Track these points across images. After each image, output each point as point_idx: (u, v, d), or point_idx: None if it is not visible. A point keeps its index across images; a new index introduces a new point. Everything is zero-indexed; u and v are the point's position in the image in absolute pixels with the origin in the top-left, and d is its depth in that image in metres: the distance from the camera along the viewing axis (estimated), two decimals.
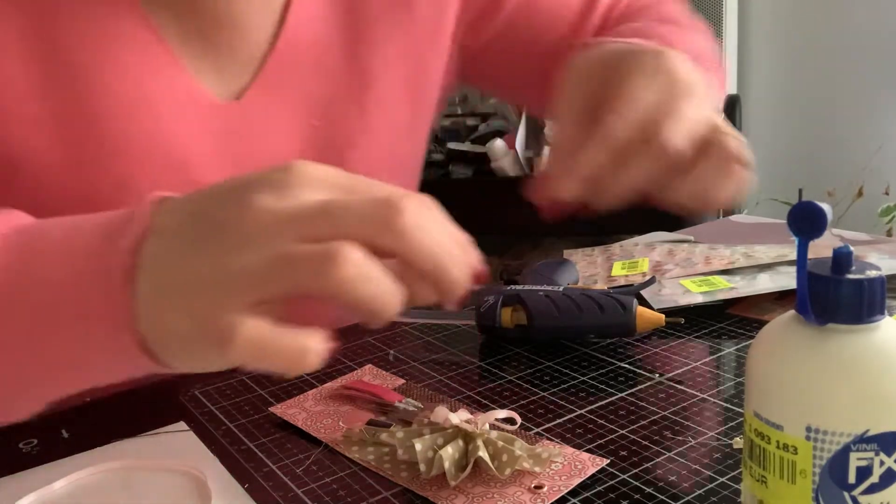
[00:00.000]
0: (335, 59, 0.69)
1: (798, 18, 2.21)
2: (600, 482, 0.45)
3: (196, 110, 0.63)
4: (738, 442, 0.48)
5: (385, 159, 0.72)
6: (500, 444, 0.46)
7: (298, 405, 0.55)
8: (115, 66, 0.60)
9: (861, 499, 0.33)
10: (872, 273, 0.33)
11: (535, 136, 2.03)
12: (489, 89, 0.91)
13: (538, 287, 0.65)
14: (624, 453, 0.48)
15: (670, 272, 0.76)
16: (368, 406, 0.55)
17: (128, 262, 0.39)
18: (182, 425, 0.54)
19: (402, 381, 0.58)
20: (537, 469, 0.46)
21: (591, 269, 0.80)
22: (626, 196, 0.51)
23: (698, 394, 0.55)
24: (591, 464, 0.46)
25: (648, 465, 0.47)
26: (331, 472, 0.48)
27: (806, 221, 0.34)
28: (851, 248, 0.34)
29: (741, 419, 0.51)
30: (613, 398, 0.55)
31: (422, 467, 0.45)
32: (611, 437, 0.50)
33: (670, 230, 0.95)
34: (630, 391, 0.56)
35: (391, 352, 0.65)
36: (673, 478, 0.45)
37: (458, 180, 2.01)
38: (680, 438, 0.49)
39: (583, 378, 0.58)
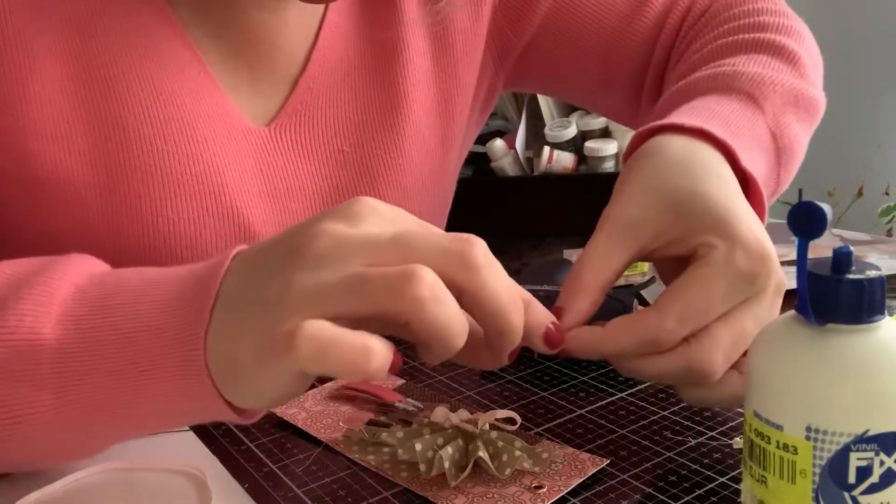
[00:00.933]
0: (366, 79, 0.68)
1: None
2: (600, 482, 0.45)
3: (231, 134, 0.62)
4: (738, 442, 0.48)
5: (416, 182, 0.70)
6: (500, 444, 0.46)
7: (298, 405, 0.55)
8: (150, 85, 0.59)
9: (861, 499, 0.33)
10: (872, 273, 0.33)
11: (535, 136, 2.03)
12: (541, 90, 0.89)
13: (538, 287, 0.65)
14: (624, 453, 0.48)
15: None
16: (368, 406, 0.55)
17: (207, 314, 0.39)
18: (182, 425, 0.54)
19: (403, 381, 0.58)
20: (537, 469, 0.46)
21: None
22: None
23: None
24: (592, 464, 0.46)
25: (648, 465, 0.47)
26: (331, 472, 0.48)
27: (806, 221, 0.34)
28: (851, 248, 0.34)
29: (741, 419, 0.51)
30: (613, 398, 0.55)
31: (422, 467, 0.45)
32: (611, 437, 0.50)
33: None
34: (630, 391, 0.56)
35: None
36: (673, 478, 0.45)
37: (459, 180, 2.01)
38: (680, 438, 0.49)
39: (583, 378, 0.58)
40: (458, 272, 0.38)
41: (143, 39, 0.59)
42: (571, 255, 0.86)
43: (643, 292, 0.69)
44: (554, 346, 0.43)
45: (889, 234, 2.04)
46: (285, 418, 0.53)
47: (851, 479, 0.33)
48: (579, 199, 1.91)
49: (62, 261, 0.45)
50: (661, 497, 0.44)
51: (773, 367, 0.35)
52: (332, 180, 0.66)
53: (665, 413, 0.52)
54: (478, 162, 2.02)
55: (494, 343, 0.41)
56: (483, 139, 2.01)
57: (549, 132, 1.93)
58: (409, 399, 0.55)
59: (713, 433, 0.50)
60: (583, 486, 0.45)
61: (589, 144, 1.89)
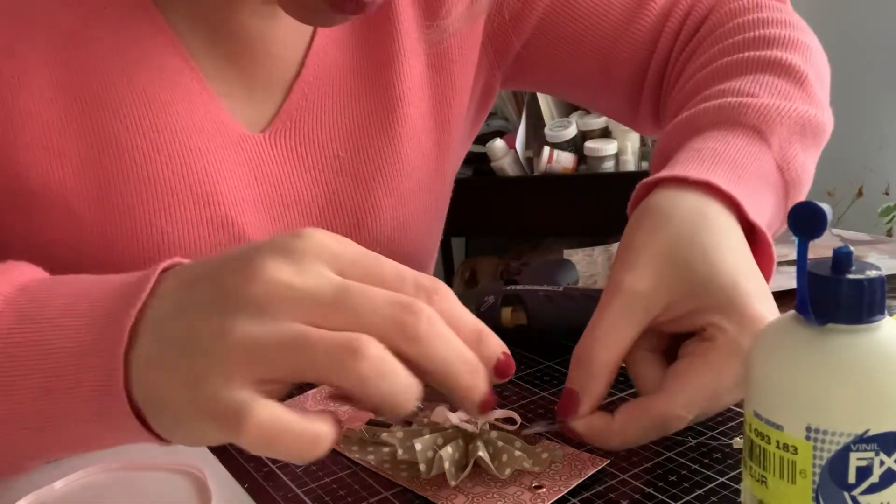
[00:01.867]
0: (361, 83, 0.67)
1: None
2: (600, 482, 0.45)
3: (225, 142, 0.62)
4: (738, 442, 0.48)
5: (413, 187, 0.70)
6: (500, 444, 0.46)
7: (299, 406, 0.55)
8: (142, 95, 0.59)
9: (861, 499, 0.33)
10: (872, 273, 0.33)
11: (535, 136, 2.03)
12: (540, 89, 0.88)
13: (538, 287, 0.65)
14: (624, 453, 0.48)
15: None
16: (369, 406, 0.55)
17: (126, 334, 0.38)
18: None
19: None
20: (537, 469, 0.46)
21: (591, 269, 0.80)
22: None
23: None
24: (592, 464, 0.46)
25: (648, 465, 0.47)
26: (331, 472, 0.48)
27: (806, 221, 0.34)
28: (851, 248, 0.34)
29: (741, 419, 0.51)
30: (613, 398, 0.55)
31: (422, 467, 0.45)
32: None
33: None
34: (630, 391, 0.56)
35: None
36: (673, 478, 0.45)
37: (458, 180, 2.01)
38: (680, 438, 0.49)
39: None
40: (401, 345, 0.37)
41: (134, 48, 0.59)
42: (571, 255, 0.86)
43: None
44: (503, 375, 0.40)
45: (889, 234, 2.04)
46: None
47: (851, 479, 0.33)
48: (579, 199, 1.91)
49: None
50: (661, 497, 0.44)
51: (773, 367, 0.35)
52: (328, 186, 0.66)
53: None
54: (478, 162, 2.02)
55: (454, 400, 0.40)
56: (483, 139, 2.01)
57: (549, 132, 1.93)
58: None
59: (713, 433, 0.50)
60: (583, 486, 0.45)
61: (589, 144, 1.89)
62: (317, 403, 0.55)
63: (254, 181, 0.63)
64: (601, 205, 1.85)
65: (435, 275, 0.83)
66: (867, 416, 0.33)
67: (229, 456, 0.50)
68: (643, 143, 1.94)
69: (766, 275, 0.51)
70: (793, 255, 0.74)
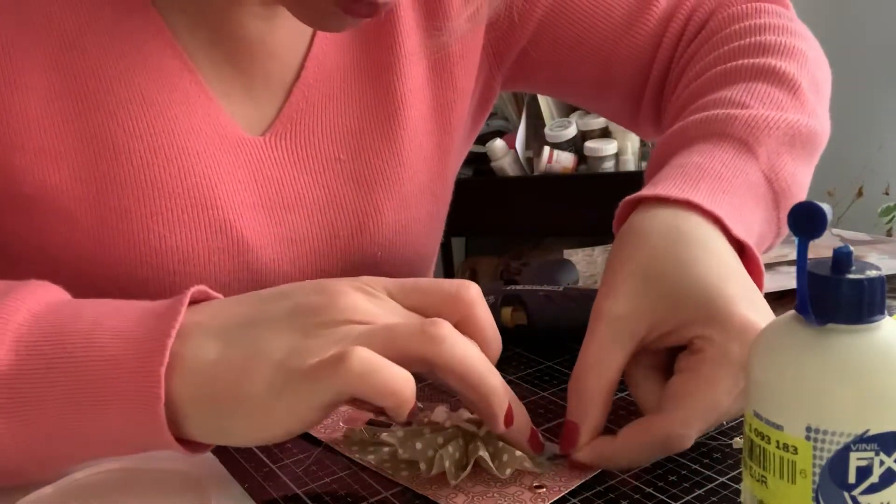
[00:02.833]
0: (362, 86, 0.67)
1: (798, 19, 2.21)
2: (600, 482, 0.45)
3: (223, 145, 0.62)
4: (738, 442, 0.48)
5: (414, 190, 0.69)
6: (501, 443, 0.46)
7: None
8: (139, 97, 0.58)
9: (861, 499, 0.33)
10: (872, 273, 0.33)
11: (535, 136, 2.03)
12: (540, 91, 0.88)
13: (538, 287, 0.65)
14: None
15: None
16: (368, 406, 0.55)
17: (167, 349, 0.41)
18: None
19: None
20: (538, 469, 0.46)
21: (591, 269, 0.80)
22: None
23: None
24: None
25: (648, 465, 0.47)
26: (331, 472, 0.48)
27: (806, 221, 0.33)
28: (851, 248, 0.34)
29: (741, 419, 0.51)
30: (613, 398, 0.55)
31: (422, 466, 0.45)
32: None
33: None
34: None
35: None
36: (673, 478, 0.45)
37: (458, 180, 2.01)
38: None
39: None
40: (424, 350, 0.42)
41: (131, 50, 0.58)
42: (571, 255, 0.86)
43: None
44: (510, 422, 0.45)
45: (889, 234, 2.04)
46: None
47: (851, 479, 0.33)
48: (579, 199, 1.91)
49: (20, 287, 0.45)
50: (661, 497, 0.44)
51: (773, 366, 0.35)
52: (328, 189, 0.65)
53: None
54: (478, 162, 2.02)
55: (482, 412, 0.45)
56: (483, 139, 2.01)
57: (549, 132, 1.93)
58: None
59: (713, 433, 0.50)
60: (583, 486, 0.45)
61: (589, 144, 1.89)
62: None
63: (253, 184, 0.63)
64: (601, 205, 1.85)
65: (435, 275, 0.82)
66: (867, 416, 0.33)
67: (229, 456, 0.50)
68: (643, 143, 1.94)
69: (757, 284, 0.50)
70: (793, 255, 0.74)
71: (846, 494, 0.33)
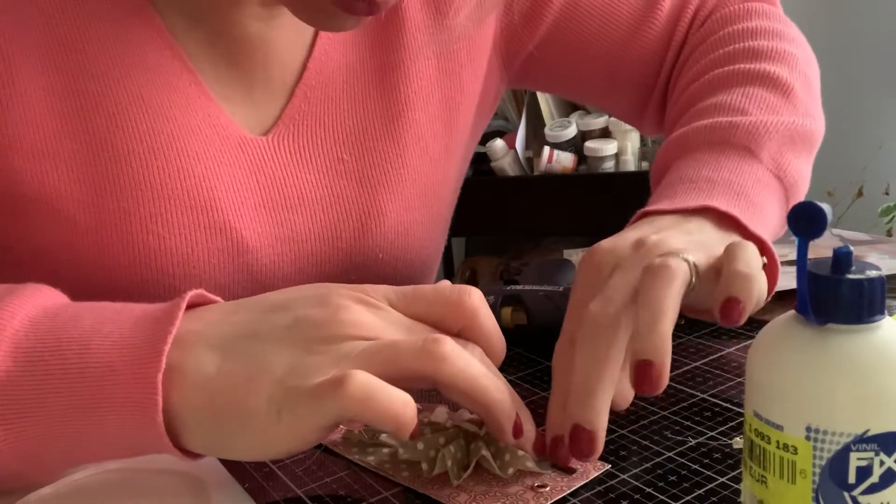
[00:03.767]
0: (366, 87, 0.67)
1: (798, 19, 2.21)
2: (601, 482, 0.45)
3: (224, 146, 0.61)
4: (738, 442, 0.48)
5: (418, 192, 0.69)
6: (502, 443, 0.46)
7: None
8: (138, 99, 0.58)
9: (861, 499, 0.33)
10: (872, 273, 0.33)
11: (535, 136, 2.03)
12: (546, 91, 0.88)
13: (538, 287, 0.65)
14: (624, 453, 0.48)
15: None
16: None
17: (163, 356, 0.41)
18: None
19: None
20: (540, 469, 0.46)
21: None
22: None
23: (698, 394, 0.55)
24: (594, 468, 0.46)
25: (648, 465, 0.47)
26: (331, 472, 0.48)
27: (806, 221, 0.34)
28: (851, 248, 0.34)
29: (741, 419, 0.51)
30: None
31: (424, 466, 0.45)
32: (611, 437, 0.50)
33: None
34: None
35: None
36: (673, 478, 0.45)
37: None
38: (680, 438, 0.49)
39: None
40: (426, 369, 0.42)
41: (130, 51, 0.58)
42: (571, 255, 0.86)
43: None
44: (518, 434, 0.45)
45: (889, 234, 2.04)
46: None
47: (851, 479, 0.33)
48: (579, 199, 1.91)
49: (18, 291, 0.45)
50: (661, 497, 0.44)
51: (772, 367, 0.35)
52: (331, 190, 0.65)
53: (665, 413, 0.52)
54: (478, 162, 2.02)
55: (489, 425, 0.45)
56: (483, 139, 2.01)
57: (549, 132, 1.93)
58: None
59: (713, 433, 0.50)
60: (583, 486, 0.45)
61: (589, 144, 1.89)
62: None
63: (255, 184, 0.63)
64: (601, 205, 1.85)
65: (436, 274, 0.82)
66: (867, 416, 0.33)
67: None
68: (643, 143, 1.94)
69: (773, 279, 0.52)
70: (793, 255, 0.74)
71: (846, 494, 0.33)
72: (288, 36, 0.64)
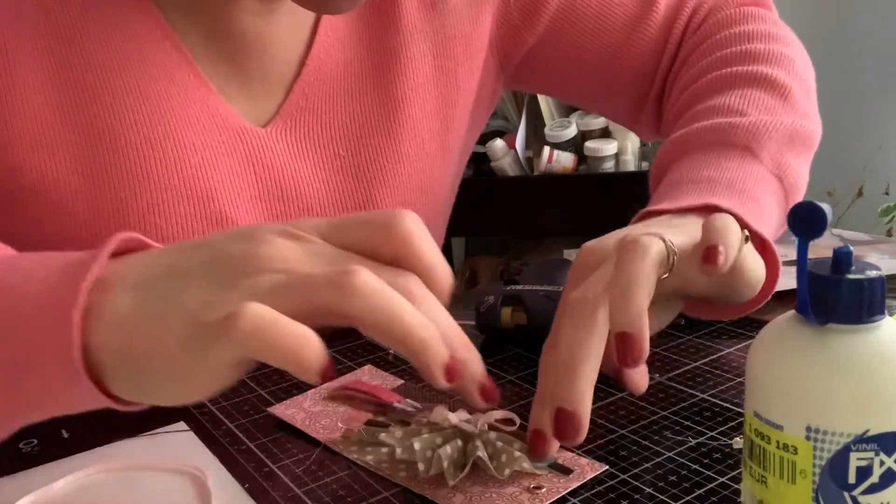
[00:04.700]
0: (364, 84, 0.67)
1: (798, 19, 2.21)
2: (600, 482, 0.45)
3: (222, 136, 0.62)
4: (738, 442, 0.48)
5: (414, 188, 0.69)
6: (500, 444, 0.46)
7: (297, 405, 0.55)
8: (136, 90, 0.58)
9: (861, 499, 0.33)
10: (872, 273, 0.33)
11: (535, 136, 2.03)
12: (542, 91, 0.89)
13: (538, 287, 0.65)
14: (624, 453, 0.48)
15: None
16: (367, 406, 0.55)
17: (80, 295, 0.38)
18: (182, 425, 0.54)
19: (401, 381, 0.58)
20: (536, 471, 0.46)
21: None
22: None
23: (698, 394, 0.55)
24: (591, 468, 0.46)
25: (648, 465, 0.47)
26: (331, 471, 0.48)
27: (806, 221, 0.34)
28: (851, 248, 0.34)
29: (741, 419, 0.51)
30: (613, 398, 0.55)
31: (420, 466, 0.45)
32: (611, 437, 0.50)
33: None
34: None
35: (391, 352, 0.65)
36: (673, 478, 0.45)
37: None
38: (680, 438, 0.49)
39: None
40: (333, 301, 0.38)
41: (128, 43, 0.59)
42: (571, 255, 0.86)
43: None
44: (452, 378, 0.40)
45: (889, 234, 2.04)
46: (284, 419, 0.53)
47: (851, 479, 0.33)
48: (579, 199, 1.91)
49: None
50: (661, 497, 0.44)
51: (772, 367, 0.35)
52: (327, 184, 0.66)
53: (665, 413, 0.52)
54: (478, 162, 2.02)
55: (419, 369, 0.40)
56: (483, 139, 2.01)
57: (549, 132, 1.93)
58: (407, 399, 0.54)
59: (713, 433, 0.50)
60: (583, 487, 0.45)
61: (589, 144, 1.89)
62: (315, 404, 0.55)
63: (252, 175, 0.63)
64: (601, 205, 1.85)
65: None
66: (867, 416, 0.33)
67: (229, 456, 0.50)
68: (643, 143, 1.94)
69: (773, 276, 0.54)
70: (793, 255, 0.74)
71: (846, 494, 0.33)
72: (285, 32, 0.64)
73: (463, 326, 0.44)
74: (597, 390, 0.56)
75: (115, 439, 0.52)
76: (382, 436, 0.49)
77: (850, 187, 2.04)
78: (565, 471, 0.46)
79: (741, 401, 0.53)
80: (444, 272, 0.41)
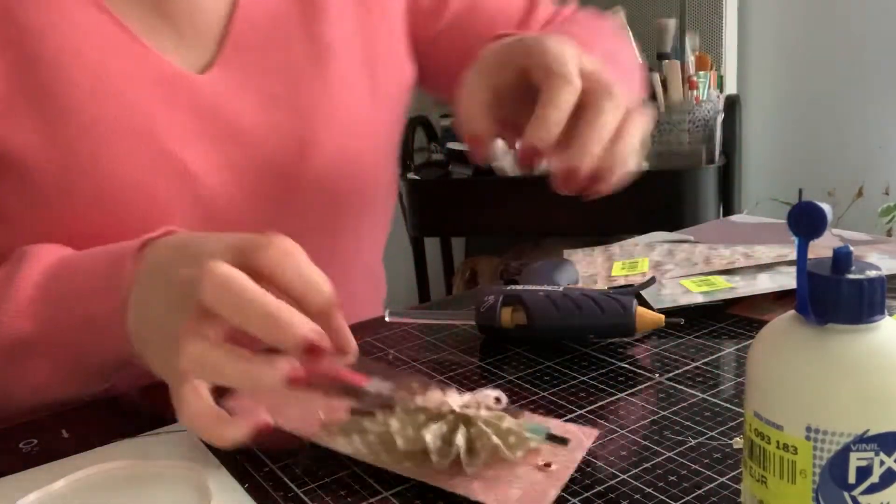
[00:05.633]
0: (293, 32, 0.71)
1: (798, 18, 2.21)
2: (600, 482, 0.45)
3: (163, 85, 0.65)
4: (738, 442, 0.48)
5: (352, 121, 0.73)
6: (504, 425, 0.45)
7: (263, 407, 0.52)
8: (73, 53, 0.62)
9: (861, 499, 0.33)
10: (872, 273, 0.33)
11: None
12: (432, 90, 0.90)
13: (538, 287, 0.65)
14: (624, 453, 0.48)
15: (670, 272, 0.76)
16: (336, 391, 0.49)
17: (120, 291, 0.52)
18: (182, 425, 0.54)
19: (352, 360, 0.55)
20: (534, 438, 0.46)
21: (591, 269, 0.80)
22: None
23: (698, 394, 0.55)
24: (586, 436, 0.47)
25: (648, 465, 0.47)
26: (331, 471, 0.48)
27: (806, 221, 0.33)
28: (851, 248, 0.34)
29: (741, 419, 0.51)
30: (613, 398, 0.55)
31: (434, 458, 0.45)
32: (611, 436, 0.50)
33: (670, 230, 0.95)
34: (630, 391, 0.56)
35: (391, 352, 0.65)
36: (673, 478, 0.45)
37: (458, 180, 2.01)
38: (680, 438, 0.49)
39: (583, 378, 0.58)
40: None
41: (56, 12, 0.62)
42: (571, 255, 0.86)
43: (643, 292, 0.69)
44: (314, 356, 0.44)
45: (889, 234, 2.04)
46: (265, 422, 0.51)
47: (851, 479, 0.33)
48: (579, 200, 1.91)
49: (27, 257, 0.58)
50: (661, 497, 0.44)
51: (772, 366, 0.35)
52: (267, 120, 0.69)
53: (665, 413, 0.52)
54: None
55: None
56: None
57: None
58: (374, 379, 0.50)
59: (713, 433, 0.50)
60: (583, 487, 0.45)
61: None
62: (285, 401, 0.51)
63: (196, 118, 0.66)
64: (601, 205, 1.85)
65: (435, 275, 0.84)
66: (867, 416, 0.33)
67: (229, 456, 0.50)
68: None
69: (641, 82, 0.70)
70: (793, 255, 0.74)
71: (846, 494, 0.33)
72: None
73: (463, 326, 0.44)
74: (596, 390, 0.56)
75: (115, 439, 0.52)
76: (368, 423, 0.47)
77: (850, 187, 2.04)
78: (562, 441, 0.46)
79: (741, 401, 0.53)
80: (307, 294, 0.46)
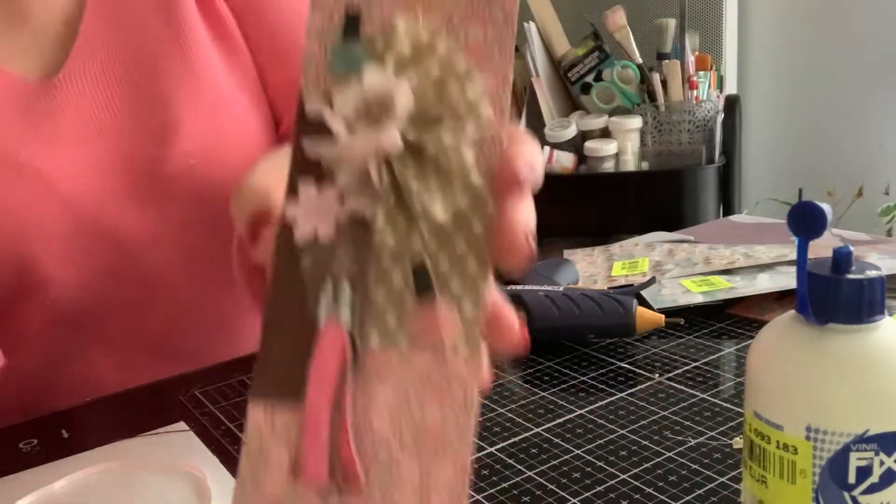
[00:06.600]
0: (145, 13, 0.69)
1: (798, 19, 2.21)
2: (600, 482, 0.45)
3: (5, 97, 0.63)
4: (738, 442, 0.48)
5: (217, 101, 0.71)
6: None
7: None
8: None
9: (861, 499, 0.33)
10: (872, 273, 0.33)
11: (536, 136, 2.03)
12: None
13: (538, 287, 0.65)
14: (624, 453, 0.48)
15: (670, 272, 0.76)
16: None
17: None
18: (182, 425, 0.54)
19: None
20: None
21: (591, 269, 0.80)
22: None
23: (698, 394, 0.55)
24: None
25: (648, 465, 0.47)
26: None
27: (806, 221, 0.33)
28: (851, 248, 0.34)
29: (741, 419, 0.51)
30: (613, 398, 0.55)
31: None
32: (611, 437, 0.50)
33: (670, 230, 0.95)
34: (630, 391, 0.56)
35: None
36: (673, 478, 0.45)
37: None
38: (680, 438, 0.49)
39: (583, 378, 0.58)
40: None
41: None
42: (571, 255, 0.86)
43: (644, 292, 0.69)
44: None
45: (889, 234, 2.04)
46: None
47: (851, 479, 0.33)
48: (579, 199, 1.91)
49: None
50: (661, 497, 0.44)
51: (772, 367, 0.35)
52: (128, 111, 0.67)
53: (665, 413, 0.52)
54: None
55: None
56: None
57: (549, 132, 1.93)
58: None
59: (713, 433, 0.50)
60: (583, 487, 0.45)
61: (589, 144, 1.89)
62: None
63: (46, 124, 0.64)
64: (601, 205, 1.85)
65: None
66: (867, 416, 0.33)
67: (229, 456, 0.50)
68: (643, 143, 1.94)
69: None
70: (793, 255, 0.74)
71: (846, 494, 0.33)
72: None
73: None
74: (597, 390, 0.56)
75: (115, 439, 0.52)
76: None
77: (850, 187, 2.04)
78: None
79: (741, 401, 0.53)
80: None
